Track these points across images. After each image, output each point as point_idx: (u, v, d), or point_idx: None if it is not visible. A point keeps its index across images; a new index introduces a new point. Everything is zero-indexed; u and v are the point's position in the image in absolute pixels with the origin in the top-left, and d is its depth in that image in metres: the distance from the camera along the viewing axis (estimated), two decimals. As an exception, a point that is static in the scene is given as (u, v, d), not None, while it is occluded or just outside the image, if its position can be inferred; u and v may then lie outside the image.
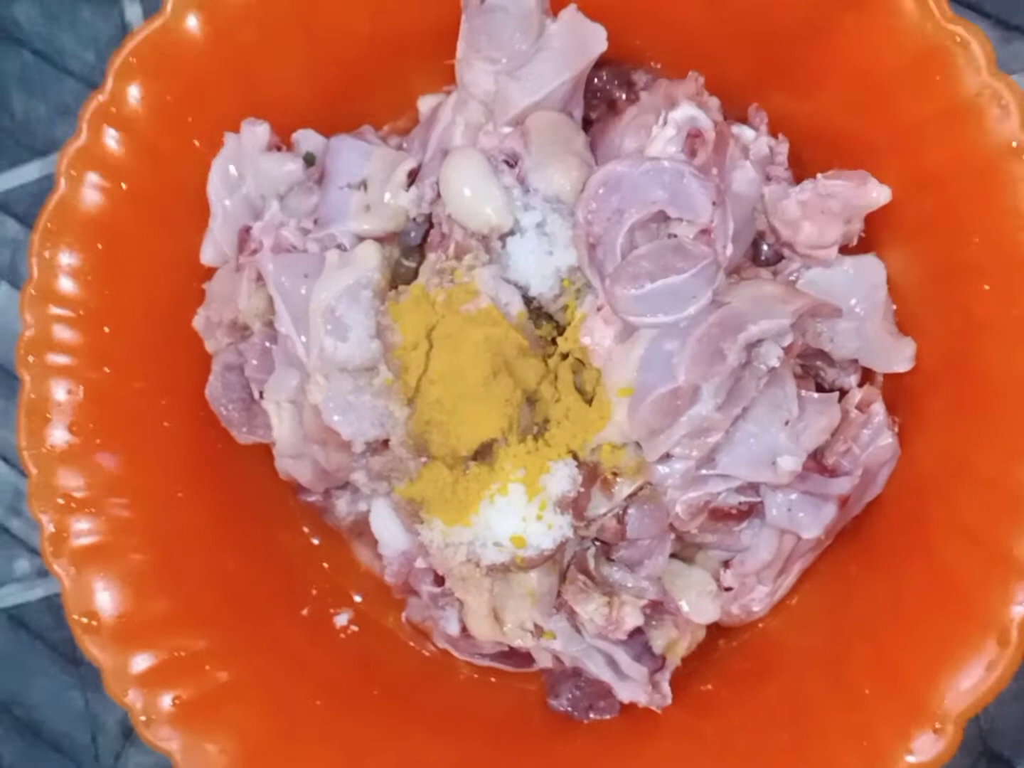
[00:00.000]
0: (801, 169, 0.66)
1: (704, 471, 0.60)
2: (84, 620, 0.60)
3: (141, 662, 0.60)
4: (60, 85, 0.84)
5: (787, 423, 0.59)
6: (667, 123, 0.62)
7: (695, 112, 0.62)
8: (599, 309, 0.60)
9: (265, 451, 0.69)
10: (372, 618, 0.71)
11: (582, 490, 0.59)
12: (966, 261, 0.59)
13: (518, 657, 0.68)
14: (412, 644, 0.71)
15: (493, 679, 0.70)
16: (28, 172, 0.85)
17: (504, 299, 0.60)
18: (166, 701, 0.60)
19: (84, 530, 0.62)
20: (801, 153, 0.66)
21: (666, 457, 0.59)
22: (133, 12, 0.83)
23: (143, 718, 0.59)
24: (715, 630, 0.67)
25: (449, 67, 0.67)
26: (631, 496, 0.60)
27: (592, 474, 0.60)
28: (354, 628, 0.70)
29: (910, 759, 0.54)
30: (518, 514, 0.59)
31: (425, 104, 0.71)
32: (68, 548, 0.61)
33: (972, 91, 0.56)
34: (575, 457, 0.60)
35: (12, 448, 0.82)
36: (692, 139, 0.62)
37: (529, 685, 0.70)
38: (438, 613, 0.67)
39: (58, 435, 0.62)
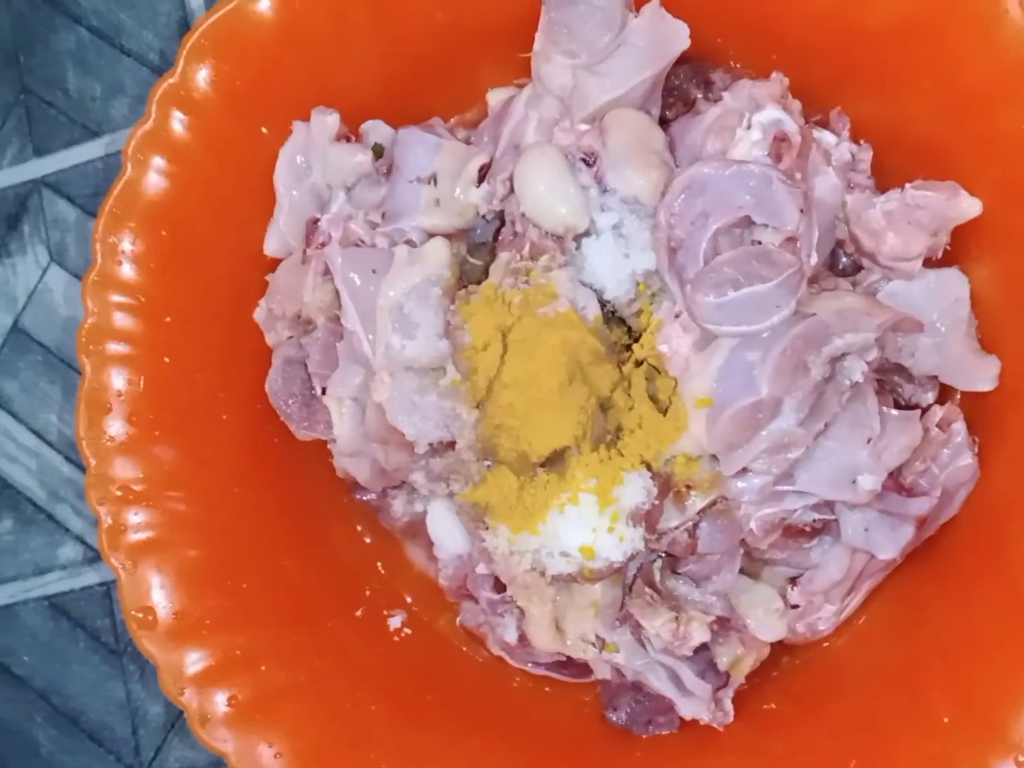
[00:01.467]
0: (883, 176, 0.64)
1: (781, 487, 0.58)
2: (140, 616, 0.59)
3: (197, 660, 0.59)
4: (116, 64, 0.83)
5: (869, 441, 0.58)
6: (752, 126, 0.60)
7: (781, 115, 0.60)
8: (677, 316, 0.59)
9: (321, 447, 0.67)
10: (425, 621, 0.70)
11: (656, 502, 0.58)
12: (1057, 279, 0.57)
13: (575, 667, 0.67)
14: (465, 649, 0.70)
15: (547, 688, 0.69)
16: (81, 153, 0.83)
17: (581, 303, 0.58)
18: (221, 701, 0.59)
19: (141, 524, 0.61)
20: (884, 160, 0.64)
21: (743, 472, 0.57)
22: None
23: (199, 718, 0.58)
24: (778, 648, 0.66)
25: (520, 60, 0.65)
26: (704, 510, 0.59)
27: (665, 486, 0.58)
28: (407, 631, 0.69)
29: (991, 791, 0.53)
30: (588, 525, 0.58)
31: (495, 97, 0.70)
32: (125, 542, 0.60)
33: (1076, 104, 0.55)
34: (648, 468, 0.58)
35: (59, 433, 0.82)
36: (777, 143, 0.60)
37: (584, 696, 0.68)
38: (496, 620, 0.66)
39: (117, 426, 0.61)
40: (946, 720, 0.56)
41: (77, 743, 0.82)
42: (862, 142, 0.64)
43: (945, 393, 0.65)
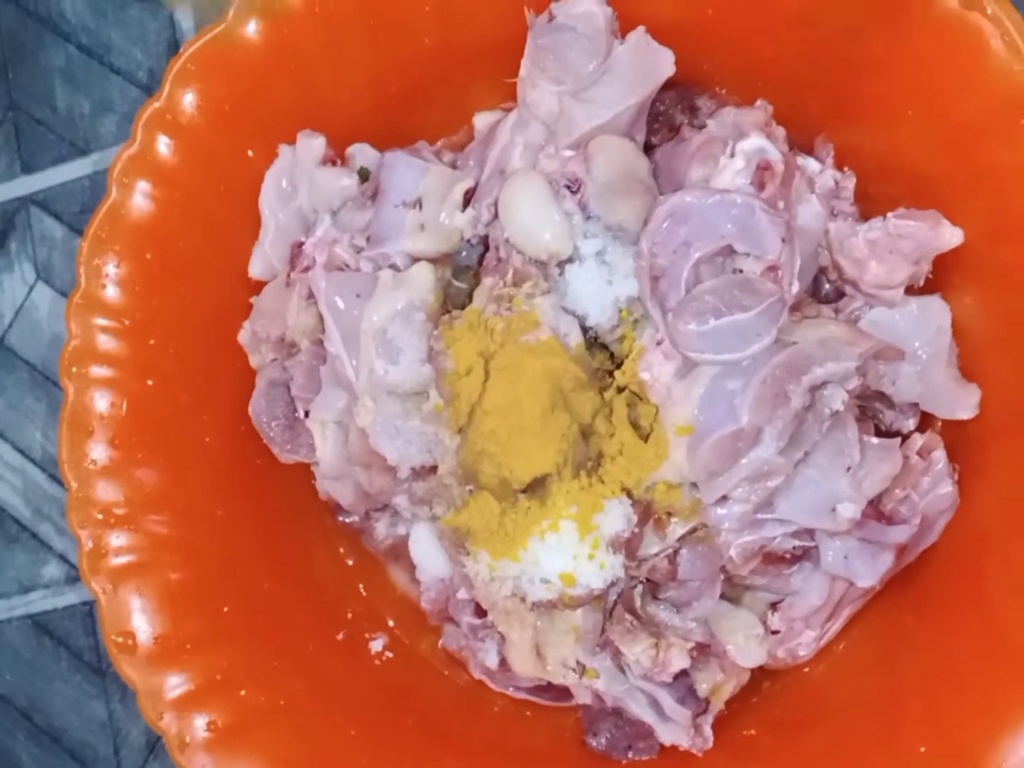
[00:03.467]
0: (867, 204, 0.64)
1: (761, 515, 0.58)
2: (120, 640, 0.59)
3: (177, 685, 0.59)
4: (105, 81, 0.83)
5: (848, 469, 0.58)
6: (735, 154, 0.60)
7: (764, 143, 0.60)
8: (659, 343, 0.59)
9: (304, 470, 0.67)
10: (407, 644, 0.70)
11: (636, 529, 0.58)
12: (1041, 311, 0.57)
13: (555, 691, 0.67)
14: (447, 673, 0.70)
15: (528, 712, 0.68)
16: (70, 170, 0.83)
17: (563, 330, 0.58)
18: (201, 726, 0.59)
19: (122, 547, 0.61)
20: (867, 188, 0.64)
21: (723, 499, 0.57)
22: (182, 11, 0.81)
23: (177, 743, 0.58)
24: (758, 673, 0.66)
25: (507, 84, 0.65)
26: (684, 537, 0.59)
27: (645, 513, 0.59)
28: (389, 654, 0.69)
29: (969, 826, 0.53)
30: (569, 552, 0.58)
31: (481, 121, 0.70)
32: (106, 566, 0.60)
33: (1061, 139, 0.55)
34: (629, 495, 0.58)
35: (43, 451, 0.82)
36: (761, 171, 0.60)
37: (565, 720, 0.68)
38: (477, 644, 0.66)
39: (99, 449, 0.61)
40: (922, 750, 0.56)
41: (59, 762, 0.82)
42: (846, 169, 0.65)
43: (926, 421, 0.65)
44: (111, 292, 0.62)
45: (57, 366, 0.62)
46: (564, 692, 0.67)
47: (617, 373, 0.59)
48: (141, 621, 0.60)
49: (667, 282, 0.58)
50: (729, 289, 0.57)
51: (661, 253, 0.58)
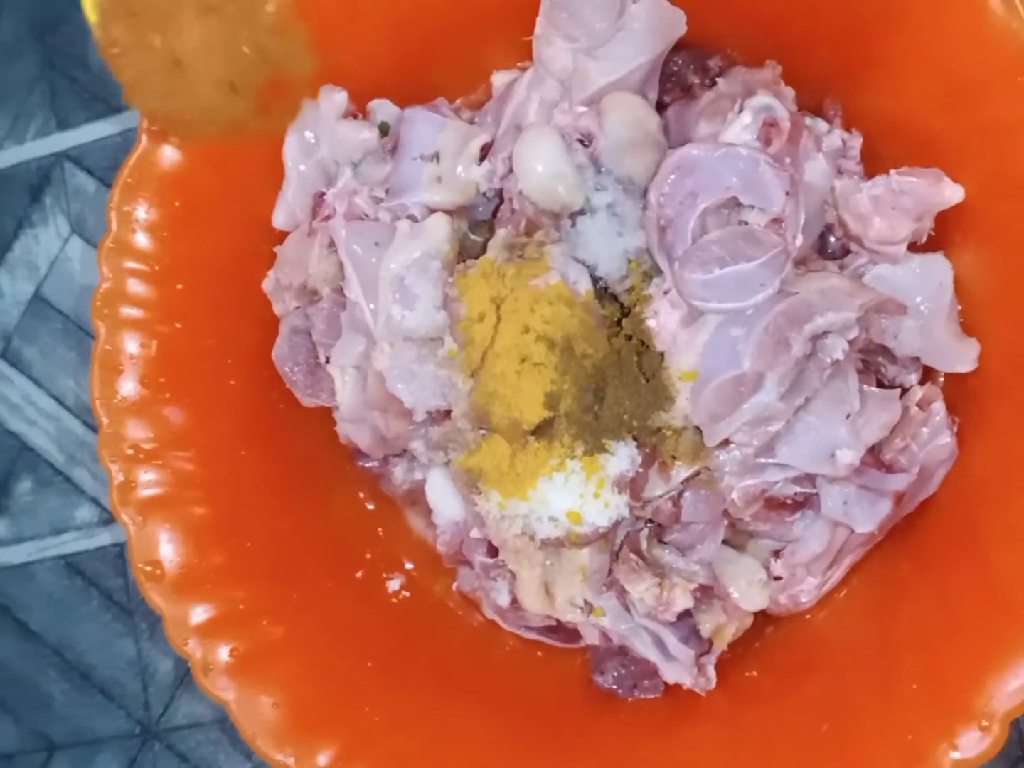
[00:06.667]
0: (875, 164, 0.65)
1: (762, 460, 0.60)
2: (148, 569, 0.62)
3: (200, 613, 0.62)
4: (138, 42, 0.85)
5: (848, 417, 0.60)
6: (743, 110, 0.62)
7: (771, 101, 0.62)
8: (666, 293, 0.61)
9: (326, 415, 0.70)
10: (423, 585, 0.72)
11: (640, 471, 0.60)
12: (1040, 268, 0.59)
13: (565, 632, 0.69)
14: (460, 613, 0.72)
15: (539, 653, 0.71)
16: (102, 127, 0.86)
17: (573, 277, 0.60)
18: (223, 652, 0.61)
19: (150, 481, 0.63)
20: (875, 148, 0.66)
21: (725, 443, 0.59)
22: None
23: (202, 667, 0.61)
24: (761, 618, 0.68)
25: (525, 43, 0.67)
26: (687, 480, 0.61)
27: (650, 456, 0.61)
28: (405, 594, 0.71)
29: (955, 755, 0.55)
30: (575, 491, 0.60)
31: (499, 79, 0.71)
32: (135, 498, 0.63)
33: (1061, 96, 0.56)
34: (634, 438, 0.60)
35: (77, 399, 0.85)
36: (767, 128, 0.62)
37: (574, 661, 0.71)
38: (489, 584, 0.68)
39: (129, 387, 0.64)
40: (914, 687, 0.58)
41: (88, 698, 0.85)
42: (853, 130, 0.66)
43: (928, 377, 0.66)
44: (140, 238, 0.64)
45: (88, 317, 0.65)
46: (573, 633, 0.69)
47: (625, 321, 0.61)
48: (168, 551, 0.62)
49: (674, 232, 0.60)
50: (734, 240, 0.59)
51: (668, 204, 0.60)
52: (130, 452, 0.63)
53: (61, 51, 0.86)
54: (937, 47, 0.60)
